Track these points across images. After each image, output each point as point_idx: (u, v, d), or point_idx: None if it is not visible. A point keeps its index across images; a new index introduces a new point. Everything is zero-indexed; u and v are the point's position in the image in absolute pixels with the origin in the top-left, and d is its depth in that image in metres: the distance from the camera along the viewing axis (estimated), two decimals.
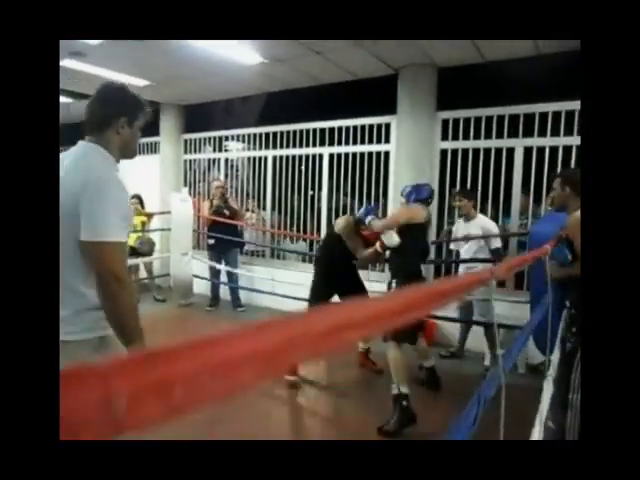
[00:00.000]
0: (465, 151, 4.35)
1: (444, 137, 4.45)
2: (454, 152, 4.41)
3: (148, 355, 0.24)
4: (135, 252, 5.78)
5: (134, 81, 5.18)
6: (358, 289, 3.33)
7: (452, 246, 4.04)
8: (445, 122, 4.43)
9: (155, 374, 0.24)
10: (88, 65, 4.61)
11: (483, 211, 4.01)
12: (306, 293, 3.53)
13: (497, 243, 3.59)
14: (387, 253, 3.09)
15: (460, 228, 3.83)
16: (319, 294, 3.26)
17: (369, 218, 3.04)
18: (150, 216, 5.92)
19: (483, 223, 3.65)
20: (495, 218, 4.18)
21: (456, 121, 4.38)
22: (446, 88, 4.38)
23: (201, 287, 5.57)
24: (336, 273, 3.25)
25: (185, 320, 4.67)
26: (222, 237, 5.14)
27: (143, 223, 5.92)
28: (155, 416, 0.24)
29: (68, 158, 1.38)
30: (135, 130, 1.45)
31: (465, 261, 3.75)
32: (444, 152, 4.46)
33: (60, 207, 1.23)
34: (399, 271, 2.88)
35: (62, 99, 6.20)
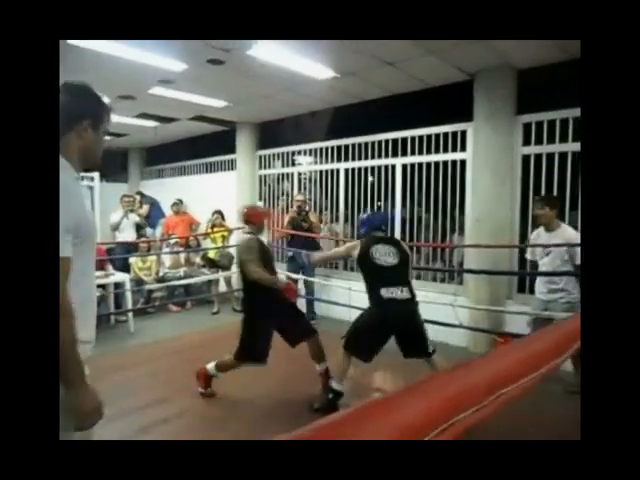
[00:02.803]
0: (550, 156, 4.07)
1: (526, 142, 4.20)
2: (537, 157, 4.14)
3: None
4: (215, 265, 6.07)
5: (213, 102, 5.49)
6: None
7: (528, 256, 3.61)
8: (527, 126, 4.19)
9: None
10: (174, 91, 4.96)
11: (572, 221, 3.68)
12: None
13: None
14: None
15: (540, 239, 3.46)
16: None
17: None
18: (230, 231, 6.18)
19: (568, 235, 3.25)
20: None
21: (539, 124, 4.11)
22: (527, 90, 4.14)
23: None
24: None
25: None
26: (298, 251, 5.24)
27: (223, 237, 6.20)
28: None
29: None
30: (100, 135, 1.29)
31: (546, 274, 3.40)
32: (526, 158, 4.21)
33: None
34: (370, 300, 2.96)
35: (149, 123, 6.73)
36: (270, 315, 2.96)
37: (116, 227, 5.93)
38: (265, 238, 3.19)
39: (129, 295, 5.07)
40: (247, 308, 3.09)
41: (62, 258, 1.06)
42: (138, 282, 5.49)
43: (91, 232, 1.25)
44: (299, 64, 4.03)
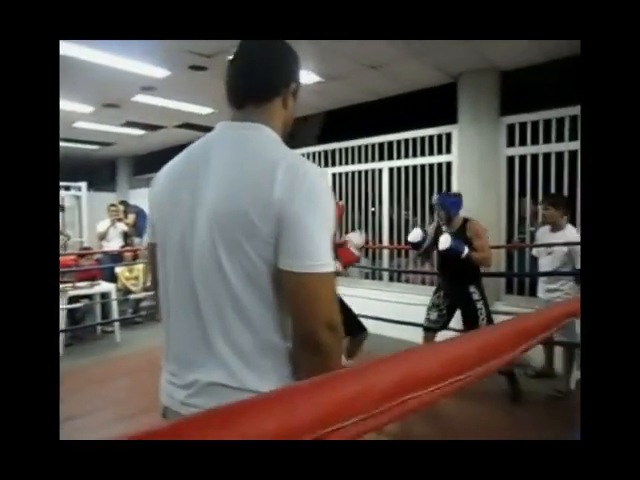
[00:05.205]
0: (535, 157, 4.08)
1: (510, 143, 4.21)
2: (522, 158, 4.15)
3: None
4: None
5: (198, 109, 5.46)
6: None
7: (534, 252, 3.60)
8: (511, 127, 4.20)
9: None
10: (157, 98, 4.93)
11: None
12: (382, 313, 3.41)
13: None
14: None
15: (544, 238, 3.38)
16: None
17: (467, 251, 2.90)
18: None
19: (570, 237, 3.15)
20: None
21: (523, 125, 4.13)
22: (510, 91, 4.16)
23: None
24: None
25: None
26: None
27: None
28: None
29: (219, 148, 0.92)
30: (295, 102, 1.02)
31: (532, 275, 3.36)
32: (511, 159, 4.22)
33: (237, 216, 0.82)
34: (475, 279, 3.12)
35: (135, 131, 6.69)
36: None
37: (103, 236, 5.86)
38: None
39: (115, 305, 5.00)
40: None
41: (332, 272, 0.84)
42: (125, 292, 5.42)
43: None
44: None
